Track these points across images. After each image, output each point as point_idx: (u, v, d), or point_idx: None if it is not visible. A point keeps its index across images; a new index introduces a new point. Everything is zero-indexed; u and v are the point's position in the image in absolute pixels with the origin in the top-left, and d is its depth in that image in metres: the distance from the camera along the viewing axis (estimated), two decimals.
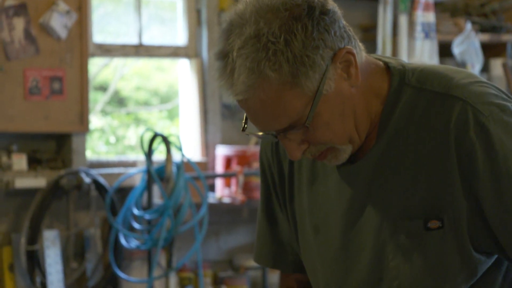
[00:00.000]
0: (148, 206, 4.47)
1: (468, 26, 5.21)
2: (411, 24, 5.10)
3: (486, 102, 1.46)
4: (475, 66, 5.17)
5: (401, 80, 1.50)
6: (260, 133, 1.47)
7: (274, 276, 4.75)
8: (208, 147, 4.99)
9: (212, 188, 4.84)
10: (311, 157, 1.49)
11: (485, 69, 5.39)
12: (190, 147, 5.01)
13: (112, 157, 4.89)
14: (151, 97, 6.35)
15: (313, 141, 1.47)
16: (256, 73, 1.40)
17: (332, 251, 1.57)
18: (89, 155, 5.08)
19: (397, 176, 1.49)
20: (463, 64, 5.11)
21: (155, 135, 4.43)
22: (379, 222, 1.51)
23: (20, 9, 4.36)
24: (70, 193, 4.45)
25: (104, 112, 5.37)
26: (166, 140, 4.40)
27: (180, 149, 4.44)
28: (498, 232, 1.46)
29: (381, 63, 1.53)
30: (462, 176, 1.45)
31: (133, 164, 4.73)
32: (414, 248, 1.49)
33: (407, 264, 1.49)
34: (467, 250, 1.48)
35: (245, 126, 1.49)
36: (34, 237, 4.30)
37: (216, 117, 5.01)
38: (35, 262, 4.29)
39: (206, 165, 4.94)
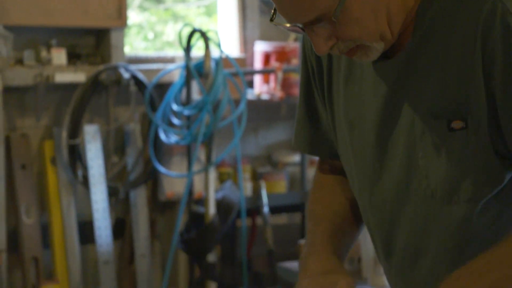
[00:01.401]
0: (187, 102, 4.48)
1: None
2: None
3: None
4: None
5: None
6: (288, 25, 1.42)
7: (312, 172, 4.78)
8: (246, 43, 4.96)
9: (250, 84, 4.83)
10: (339, 53, 1.45)
11: None
12: (229, 43, 4.98)
13: (150, 53, 4.88)
14: None
15: (341, 37, 1.42)
16: None
17: (366, 147, 1.56)
18: (128, 51, 5.07)
19: (427, 74, 1.46)
20: None
21: (194, 31, 4.40)
22: (410, 120, 1.49)
23: None
24: (109, 88, 4.46)
25: (142, 8, 5.32)
26: (204, 36, 4.37)
27: (218, 45, 4.41)
28: (507, 137, 1.43)
29: None
30: (485, 76, 1.42)
31: (171, 60, 4.72)
32: (440, 148, 1.47)
33: (434, 163, 1.48)
34: (490, 153, 1.45)
35: (273, 16, 1.45)
36: (75, 131, 4.34)
37: (255, 13, 4.96)
38: (76, 156, 4.35)
39: (245, 61, 4.92)
